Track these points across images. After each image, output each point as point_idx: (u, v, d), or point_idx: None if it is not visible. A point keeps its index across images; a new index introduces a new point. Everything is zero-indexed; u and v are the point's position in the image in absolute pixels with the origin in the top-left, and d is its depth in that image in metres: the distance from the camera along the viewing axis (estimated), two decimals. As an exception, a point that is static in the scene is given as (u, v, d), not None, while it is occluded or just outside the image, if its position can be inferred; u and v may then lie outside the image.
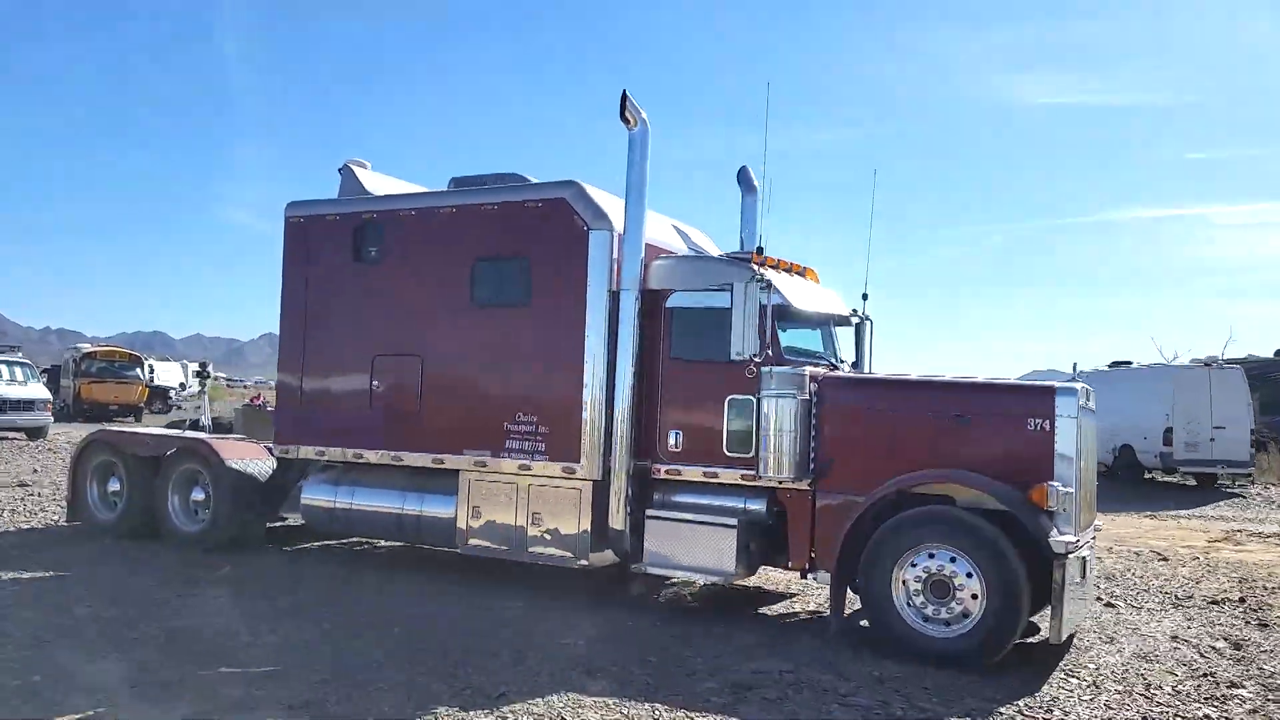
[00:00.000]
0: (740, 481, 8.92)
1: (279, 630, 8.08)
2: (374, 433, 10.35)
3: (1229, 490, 24.31)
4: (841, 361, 10.05)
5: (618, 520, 9.11)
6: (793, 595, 10.24)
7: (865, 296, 10.53)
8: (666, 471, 9.21)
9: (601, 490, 9.31)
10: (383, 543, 12.15)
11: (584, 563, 9.29)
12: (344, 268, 10.66)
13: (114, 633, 7.87)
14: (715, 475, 9.00)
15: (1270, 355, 35.39)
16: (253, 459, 11.54)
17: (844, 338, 10.65)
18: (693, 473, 9.10)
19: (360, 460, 10.47)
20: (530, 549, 9.53)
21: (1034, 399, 8.16)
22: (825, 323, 9.88)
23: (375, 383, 10.35)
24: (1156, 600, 10.64)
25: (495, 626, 8.36)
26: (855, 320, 10.36)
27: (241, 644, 7.73)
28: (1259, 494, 23.65)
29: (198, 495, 11.66)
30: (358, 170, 11.21)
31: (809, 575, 8.83)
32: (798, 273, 9.68)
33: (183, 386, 49.05)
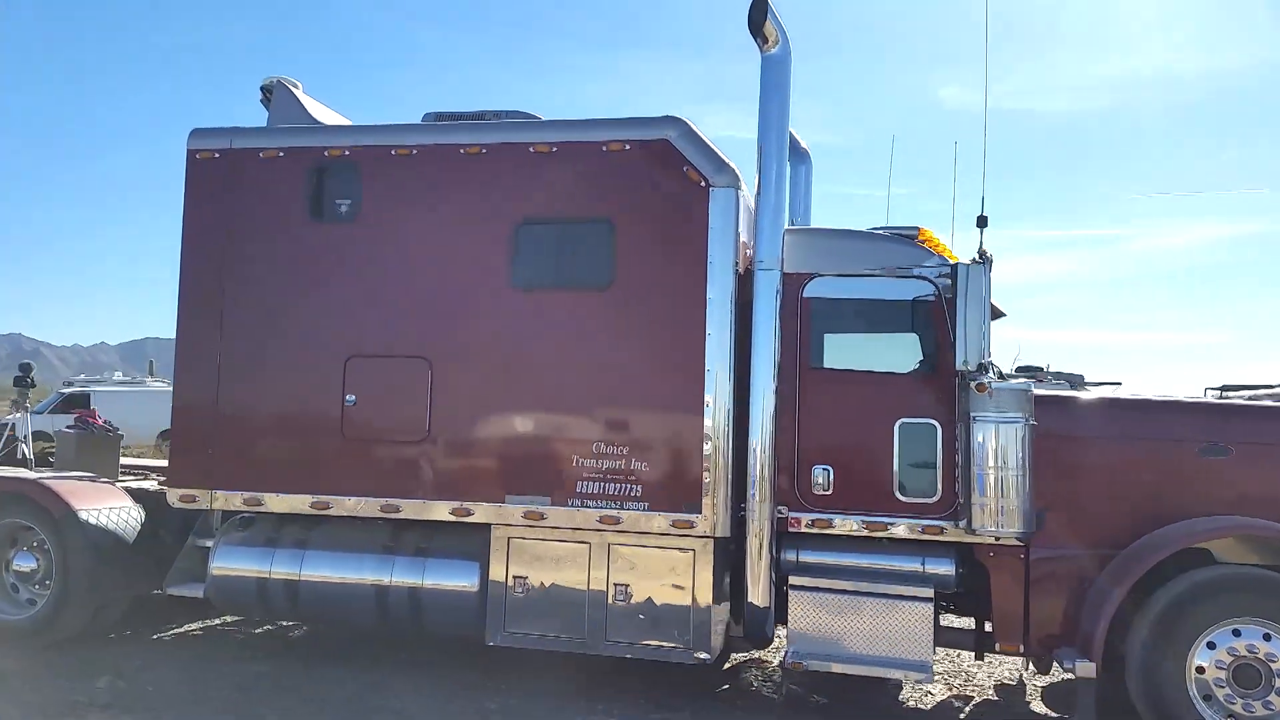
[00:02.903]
0: (921, 536, 6.56)
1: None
2: (349, 470, 7.04)
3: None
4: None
5: (758, 592, 6.48)
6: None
7: None
8: (813, 523, 6.67)
9: (724, 550, 6.66)
10: (287, 623, 8.64)
11: (703, 655, 6.56)
12: (293, 227, 7.26)
13: None
14: (885, 528, 6.58)
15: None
16: (112, 507, 7.78)
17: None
18: (850, 524, 6.62)
19: (324, 511, 7.10)
20: (613, 638, 6.67)
21: (1311, 424, 6.42)
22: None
23: (350, 397, 7.05)
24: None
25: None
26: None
27: None
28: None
29: (23, 564, 7.71)
30: (298, 92, 7.81)
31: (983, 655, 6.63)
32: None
33: None
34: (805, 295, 6.78)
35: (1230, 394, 10.66)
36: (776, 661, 8.01)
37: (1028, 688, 7.64)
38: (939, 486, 6.53)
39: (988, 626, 6.83)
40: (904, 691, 7.40)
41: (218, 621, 8.77)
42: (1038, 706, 7.24)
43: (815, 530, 6.66)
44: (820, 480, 6.63)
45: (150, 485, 8.58)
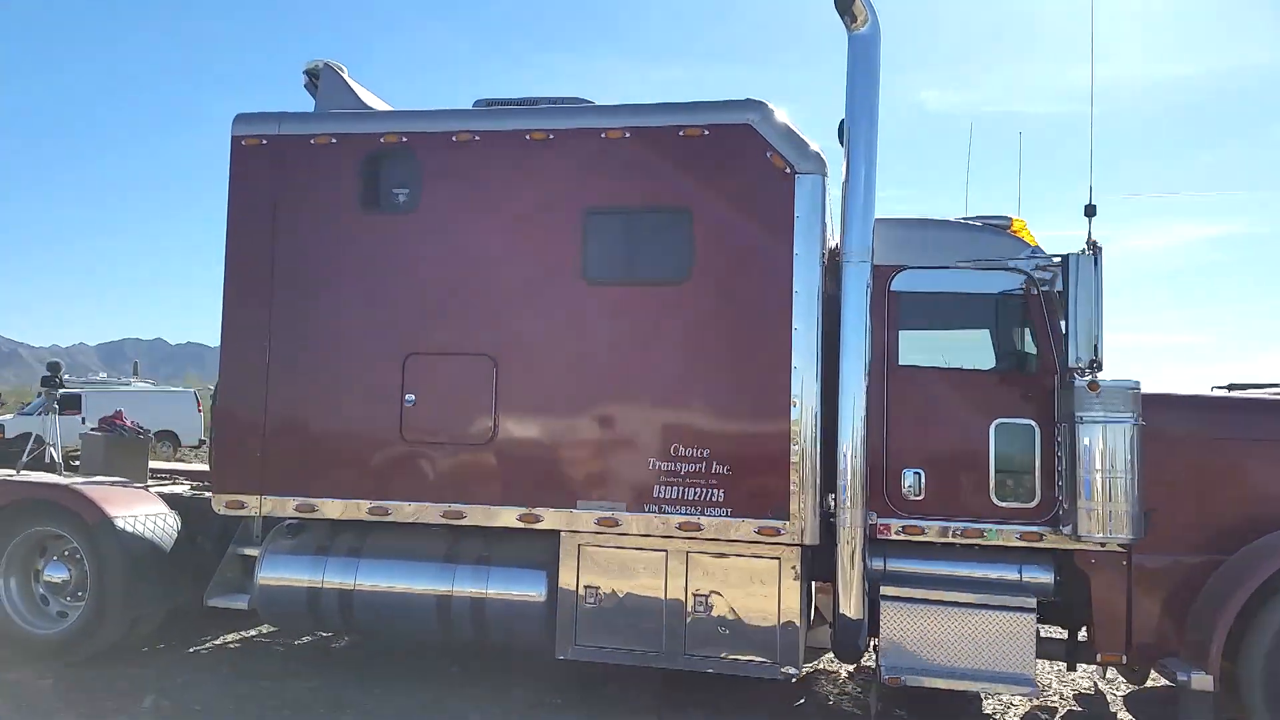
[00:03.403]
0: (1018, 542, 6.23)
1: None
2: (409, 474, 6.65)
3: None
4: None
5: (850, 603, 6.12)
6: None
7: None
8: (904, 529, 6.32)
9: (808, 559, 6.33)
10: (326, 635, 8.20)
11: (790, 670, 6.21)
12: (347, 217, 6.86)
13: None
14: (981, 534, 6.25)
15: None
16: (148, 514, 7.36)
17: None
18: (944, 530, 6.28)
19: (382, 517, 6.70)
20: (693, 651, 6.31)
21: None
22: None
23: (410, 396, 6.66)
24: None
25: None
26: None
27: None
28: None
29: (55, 574, 7.28)
30: (345, 75, 7.41)
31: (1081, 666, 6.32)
32: None
33: None
34: (892, 289, 6.44)
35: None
36: (845, 674, 7.69)
37: (1108, 697, 7.33)
38: (1037, 491, 6.21)
39: (1080, 635, 6.56)
40: (987, 703, 7.08)
41: (253, 633, 8.36)
42: (1125, 717, 6.93)
43: (905, 537, 6.32)
44: (911, 484, 6.29)
45: (182, 489, 8.17)
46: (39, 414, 9.06)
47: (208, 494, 7.79)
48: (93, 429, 8.77)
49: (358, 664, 7.59)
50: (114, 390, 31.59)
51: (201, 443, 31.57)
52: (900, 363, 6.41)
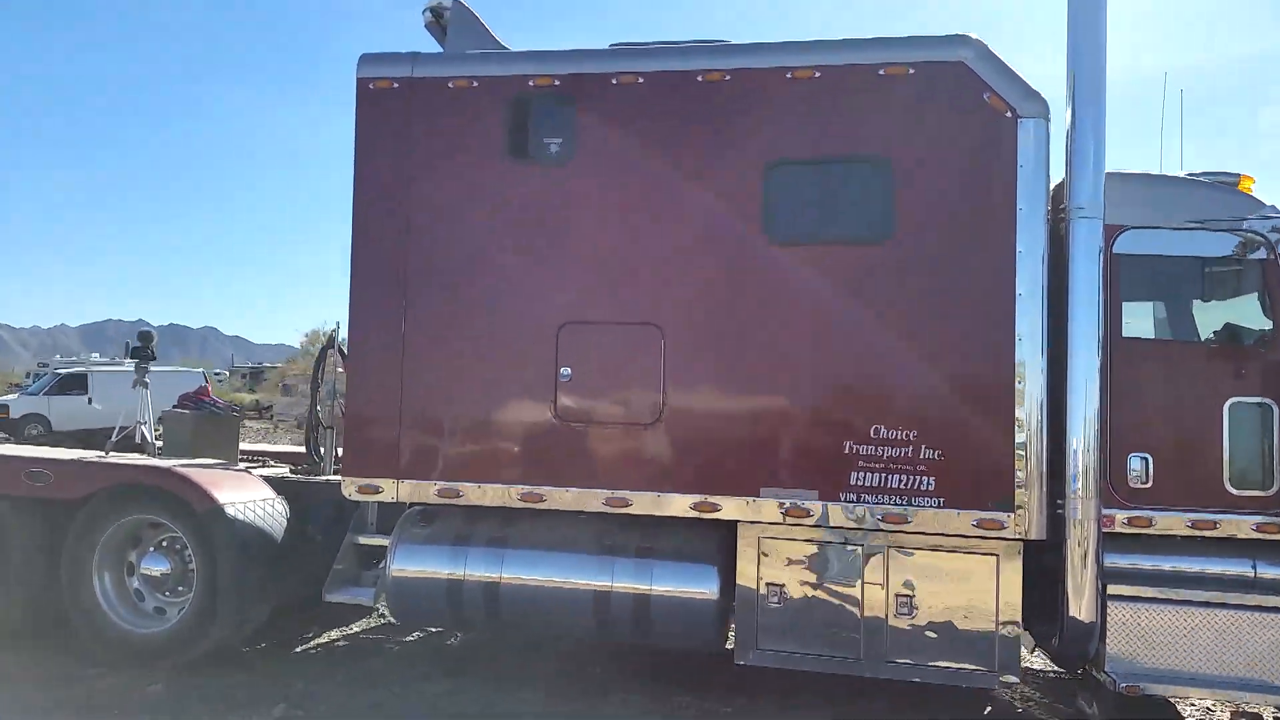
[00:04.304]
0: (1253, 534, 5.56)
1: None
2: (564, 457, 5.92)
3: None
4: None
5: (1082, 605, 5.42)
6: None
7: None
8: (1129, 521, 5.64)
9: (1033, 556, 5.64)
10: (434, 630, 7.49)
11: (1011, 678, 5.55)
12: (492, 170, 6.11)
13: None
14: (1214, 525, 5.57)
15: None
16: (259, 499, 6.62)
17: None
18: (1174, 521, 5.60)
19: (535, 504, 5.98)
20: (896, 658, 5.62)
21: None
22: None
23: (565, 370, 5.93)
24: None
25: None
26: None
27: None
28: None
29: (154, 567, 6.54)
30: (475, 12, 6.64)
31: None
32: None
33: None
34: (1115, 251, 5.74)
35: None
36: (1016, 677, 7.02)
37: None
38: (1275, 477, 5.54)
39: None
40: (1186, 709, 6.42)
41: (357, 629, 7.65)
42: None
43: (1132, 530, 5.63)
44: (1138, 471, 5.61)
45: (280, 472, 7.42)
46: (133, 386, 8.23)
47: (313, 477, 7.14)
48: (175, 405, 7.99)
49: (489, 664, 6.87)
50: (120, 370, 30.73)
51: (214, 424, 30.71)
52: (1124, 335, 5.72)
